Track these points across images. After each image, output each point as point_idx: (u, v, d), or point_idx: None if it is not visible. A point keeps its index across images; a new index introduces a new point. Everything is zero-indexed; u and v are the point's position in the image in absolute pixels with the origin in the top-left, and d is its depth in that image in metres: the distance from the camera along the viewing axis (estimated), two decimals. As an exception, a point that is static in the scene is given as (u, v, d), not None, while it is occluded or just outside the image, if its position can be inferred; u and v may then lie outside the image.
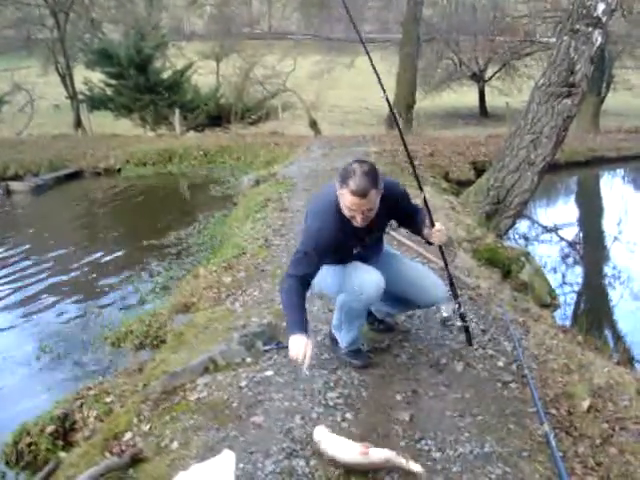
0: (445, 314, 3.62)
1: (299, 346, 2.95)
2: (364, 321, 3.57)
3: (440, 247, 3.41)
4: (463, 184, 11.81)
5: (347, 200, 2.98)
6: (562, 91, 7.55)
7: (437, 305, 3.75)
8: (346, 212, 3.05)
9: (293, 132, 19.79)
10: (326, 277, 3.38)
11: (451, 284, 3.51)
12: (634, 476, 2.73)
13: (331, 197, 3.15)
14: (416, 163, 12.13)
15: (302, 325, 3.06)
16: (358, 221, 3.05)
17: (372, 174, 2.98)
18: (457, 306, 3.47)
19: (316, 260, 3.15)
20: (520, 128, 8.04)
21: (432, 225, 3.26)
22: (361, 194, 2.93)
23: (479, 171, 12.05)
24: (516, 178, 8.00)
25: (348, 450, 2.66)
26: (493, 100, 26.28)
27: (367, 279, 3.21)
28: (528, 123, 7.89)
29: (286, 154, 14.34)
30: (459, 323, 3.51)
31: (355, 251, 3.32)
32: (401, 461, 2.60)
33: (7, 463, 3.80)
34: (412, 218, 3.44)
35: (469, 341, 3.60)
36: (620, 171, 16.88)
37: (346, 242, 3.23)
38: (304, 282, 3.16)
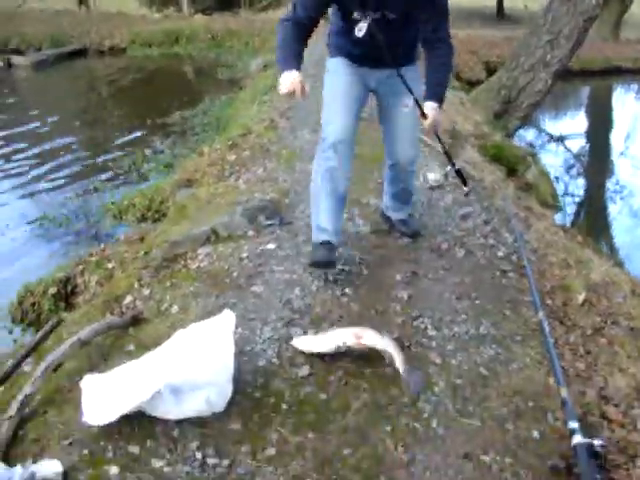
0: (433, 183, 3.52)
1: (290, 80, 2.68)
2: (336, 206, 3.16)
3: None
4: (474, 84, 11.53)
5: None
6: (586, -11, 7.23)
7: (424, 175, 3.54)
8: None
9: (304, 21, 19.16)
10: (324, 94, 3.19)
11: (445, 152, 3.31)
12: (620, 365, 2.79)
13: None
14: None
15: (294, 61, 2.78)
16: None
17: None
18: (452, 167, 3.28)
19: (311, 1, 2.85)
20: (538, 27, 7.75)
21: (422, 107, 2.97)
22: None
23: (491, 72, 11.70)
24: (529, 78, 7.79)
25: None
26: (511, 2, 25.33)
27: (334, 123, 3.04)
28: (547, 22, 7.59)
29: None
30: (451, 177, 3.29)
31: (357, 15, 2.89)
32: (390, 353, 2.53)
33: (13, 320, 3.99)
34: (432, 43, 2.99)
35: (464, 182, 3.31)
36: (634, 85, 16.44)
37: None
38: (301, 25, 2.85)
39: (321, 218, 3.15)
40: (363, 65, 3.12)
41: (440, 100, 3.01)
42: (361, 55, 3.08)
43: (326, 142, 3.04)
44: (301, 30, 2.86)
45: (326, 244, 3.13)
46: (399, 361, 2.47)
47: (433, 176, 3.43)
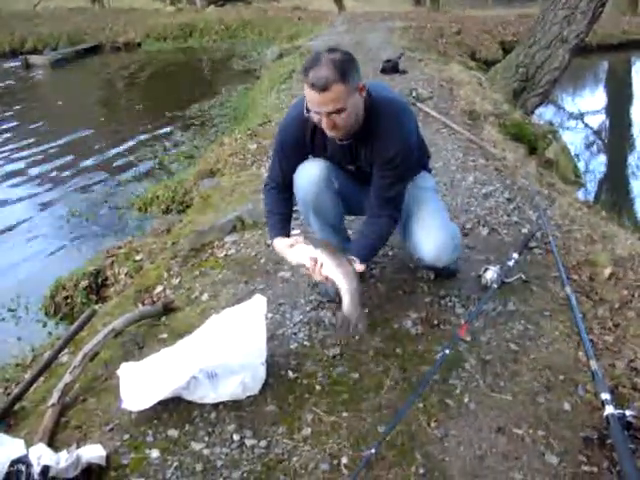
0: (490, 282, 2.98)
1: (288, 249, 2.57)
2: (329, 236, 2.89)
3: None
4: (490, 64, 11.43)
5: (308, 96, 2.31)
6: (603, -39, 7.12)
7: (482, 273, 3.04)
8: (313, 117, 2.37)
9: (316, 8, 19.14)
10: None
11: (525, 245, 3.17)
12: (650, 337, 2.79)
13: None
14: (442, 41, 11.86)
15: (280, 228, 2.72)
16: (325, 127, 2.38)
17: (342, 64, 2.24)
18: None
19: (284, 162, 2.70)
20: (554, 2, 7.65)
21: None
22: (320, 87, 2.21)
23: (507, 51, 11.59)
24: (547, 55, 7.70)
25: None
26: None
27: (301, 174, 2.68)
28: (563, -3, 7.50)
29: (309, 29, 13.96)
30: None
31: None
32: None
33: (46, 314, 4.08)
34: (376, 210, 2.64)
35: None
36: (654, 59, 16.14)
37: (314, 152, 2.68)
38: (281, 188, 2.76)
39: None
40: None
41: (365, 261, 2.56)
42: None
43: (300, 193, 2.79)
44: (285, 193, 2.76)
45: None
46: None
47: (491, 274, 3.13)
